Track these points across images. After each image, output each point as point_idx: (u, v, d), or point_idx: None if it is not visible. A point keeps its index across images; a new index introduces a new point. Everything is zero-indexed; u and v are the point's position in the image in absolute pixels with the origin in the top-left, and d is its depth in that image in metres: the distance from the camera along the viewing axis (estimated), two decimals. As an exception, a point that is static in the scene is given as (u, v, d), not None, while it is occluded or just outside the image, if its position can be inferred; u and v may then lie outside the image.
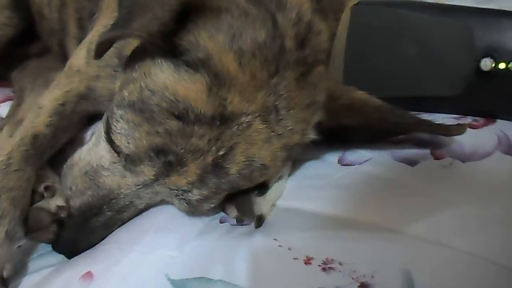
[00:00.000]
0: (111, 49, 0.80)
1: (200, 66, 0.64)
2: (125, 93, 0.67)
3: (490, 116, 0.81)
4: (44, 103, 0.85)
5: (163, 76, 0.65)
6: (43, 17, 1.13)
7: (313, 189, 0.74)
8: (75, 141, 0.88)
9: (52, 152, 0.83)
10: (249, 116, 0.66)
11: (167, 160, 0.66)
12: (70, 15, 1.07)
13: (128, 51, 0.74)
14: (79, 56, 0.88)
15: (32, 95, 1.07)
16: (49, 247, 0.74)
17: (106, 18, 0.89)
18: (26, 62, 1.16)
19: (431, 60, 0.79)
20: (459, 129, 0.72)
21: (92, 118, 0.91)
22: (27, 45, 1.18)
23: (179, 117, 0.64)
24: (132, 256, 0.69)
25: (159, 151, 0.65)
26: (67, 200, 0.74)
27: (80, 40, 0.97)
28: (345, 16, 0.83)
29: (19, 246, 0.74)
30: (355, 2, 0.84)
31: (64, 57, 1.07)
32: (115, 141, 0.68)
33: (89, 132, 0.90)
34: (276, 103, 0.67)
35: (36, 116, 0.83)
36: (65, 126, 0.85)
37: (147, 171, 0.68)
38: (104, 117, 0.72)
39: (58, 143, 0.85)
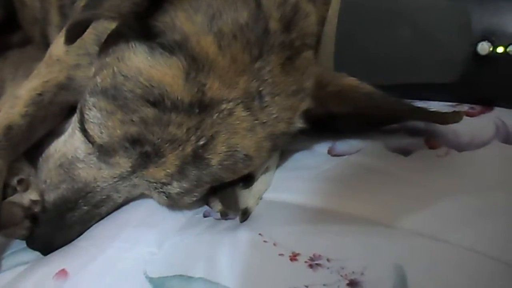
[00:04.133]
0: (91, 36, 0.78)
1: (176, 49, 0.60)
2: (98, 79, 0.64)
3: (487, 103, 0.77)
4: (21, 93, 0.82)
5: (137, 60, 0.61)
6: (24, 5, 1.10)
7: (301, 181, 0.71)
8: (55, 133, 0.84)
9: (28, 144, 0.80)
10: (231, 103, 0.62)
11: (143, 150, 0.62)
12: (52, 3, 1.03)
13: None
14: (59, 44, 0.85)
15: (13, 86, 1.03)
16: (23, 244, 0.71)
17: None
18: (7, 52, 1.12)
19: (426, 44, 0.75)
20: (455, 117, 0.68)
21: (73, 109, 0.87)
22: (9, 34, 1.14)
23: (154, 104, 0.60)
24: (109, 253, 0.66)
25: (134, 141, 0.62)
26: (41, 194, 0.71)
27: (62, 29, 0.94)
28: (336, -1, 0.79)
29: (-8, 244, 0.71)
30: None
31: (46, 46, 1.03)
32: (89, 131, 0.64)
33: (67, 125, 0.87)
34: (260, 89, 0.64)
35: (12, 106, 0.80)
36: (43, 117, 0.82)
37: (123, 163, 0.64)
38: (79, 106, 0.69)
39: (35, 134, 0.82)
